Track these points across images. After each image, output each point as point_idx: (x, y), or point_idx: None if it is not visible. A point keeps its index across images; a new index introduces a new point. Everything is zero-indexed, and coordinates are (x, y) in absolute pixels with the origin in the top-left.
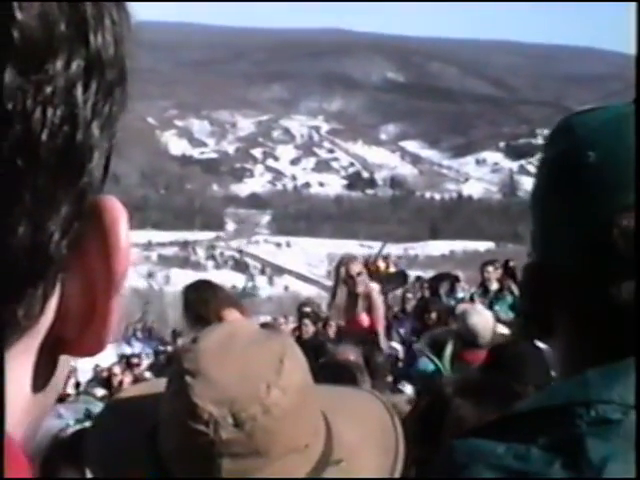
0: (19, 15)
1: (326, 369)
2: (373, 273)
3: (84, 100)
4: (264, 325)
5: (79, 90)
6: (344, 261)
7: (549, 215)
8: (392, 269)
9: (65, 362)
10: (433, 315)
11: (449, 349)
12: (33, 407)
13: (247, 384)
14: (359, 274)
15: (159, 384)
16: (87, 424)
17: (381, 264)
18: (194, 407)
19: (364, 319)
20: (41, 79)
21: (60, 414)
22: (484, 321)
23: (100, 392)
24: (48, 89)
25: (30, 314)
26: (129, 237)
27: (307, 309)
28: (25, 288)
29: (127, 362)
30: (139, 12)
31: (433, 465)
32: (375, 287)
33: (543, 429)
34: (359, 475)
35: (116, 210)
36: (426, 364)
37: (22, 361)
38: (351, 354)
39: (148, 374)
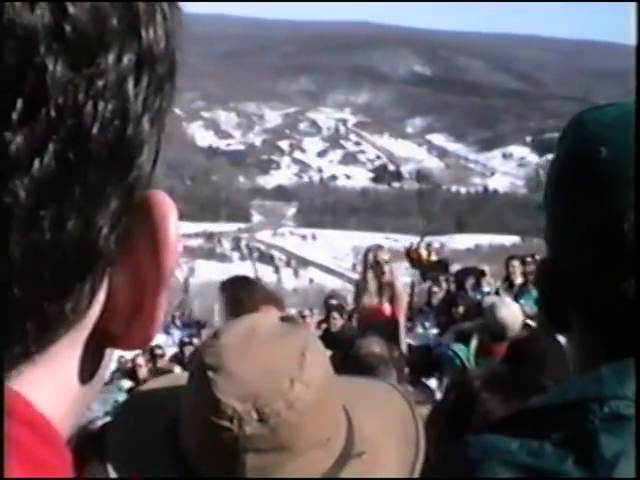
0: (71, 9)
1: (352, 363)
2: (415, 261)
3: (135, 94)
4: (284, 318)
5: (130, 84)
6: (372, 248)
7: (561, 210)
8: (434, 257)
9: (110, 355)
10: (460, 309)
11: (474, 342)
12: (80, 398)
13: (270, 379)
14: (387, 262)
15: (179, 377)
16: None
17: (423, 252)
18: (217, 402)
19: (386, 308)
20: (92, 73)
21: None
22: (512, 314)
23: (127, 384)
24: (100, 83)
25: (78, 308)
26: (178, 232)
27: (334, 302)
28: (73, 282)
29: (151, 353)
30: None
31: (448, 461)
32: (400, 278)
33: (557, 425)
34: (382, 467)
35: (165, 205)
36: (453, 357)
37: (69, 354)
38: (376, 347)
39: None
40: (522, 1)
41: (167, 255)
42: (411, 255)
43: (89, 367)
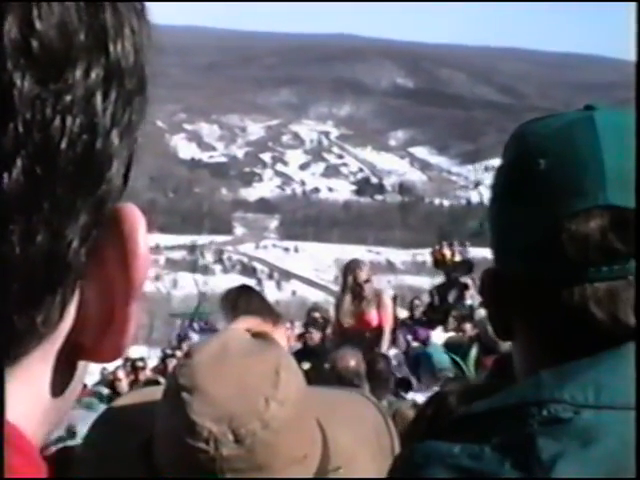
0: (38, 25)
1: (327, 375)
2: (439, 262)
3: (103, 109)
4: (256, 334)
5: (98, 99)
6: (351, 267)
7: (503, 221)
8: (458, 257)
9: (83, 368)
10: (449, 320)
11: (474, 353)
12: (52, 411)
13: (245, 399)
14: (367, 281)
15: (153, 393)
16: (69, 442)
17: (447, 252)
18: (193, 425)
19: (373, 318)
20: (60, 88)
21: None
22: None
23: (106, 391)
24: (67, 98)
25: (48, 321)
26: (148, 245)
27: (316, 314)
28: (43, 295)
29: (132, 365)
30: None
31: (396, 467)
32: (386, 291)
33: (497, 429)
34: None
35: (135, 217)
36: (440, 361)
37: (41, 366)
38: (352, 360)
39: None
40: (508, 8)
41: (137, 267)
42: (435, 256)
43: (61, 379)
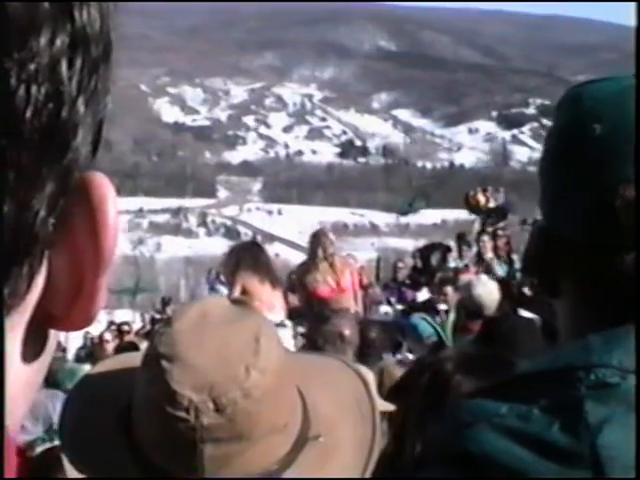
0: None
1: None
2: (474, 207)
3: (69, 77)
4: (235, 301)
5: (64, 67)
6: (319, 238)
7: (555, 183)
8: (492, 204)
9: (54, 336)
10: (429, 283)
11: (452, 317)
12: (25, 381)
13: (225, 367)
14: (332, 248)
15: (128, 360)
16: (55, 442)
17: (481, 198)
18: (173, 393)
19: (347, 285)
20: (24, 57)
21: (25, 427)
22: (488, 292)
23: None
24: (32, 66)
25: (16, 292)
26: (117, 214)
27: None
28: (11, 266)
29: (118, 329)
30: None
31: (442, 424)
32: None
33: (545, 391)
34: (339, 447)
35: (104, 187)
36: (425, 329)
37: (10, 337)
38: (346, 328)
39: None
40: None
41: (106, 237)
42: (470, 201)
43: (32, 349)
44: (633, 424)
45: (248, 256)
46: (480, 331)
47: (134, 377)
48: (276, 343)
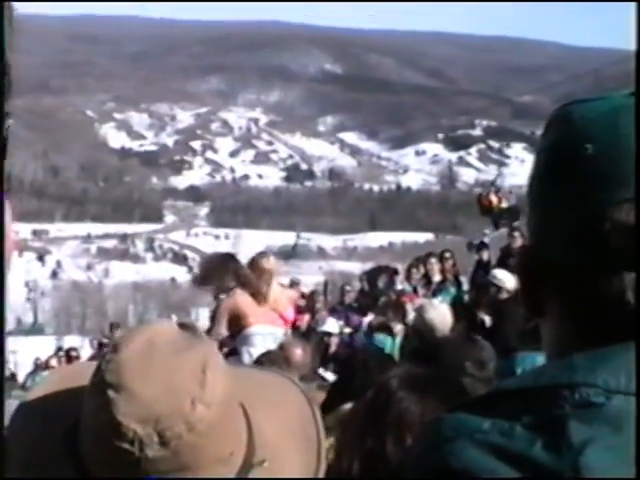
0: None
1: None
2: (486, 208)
3: None
4: (183, 326)
5: None
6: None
7: (544, 203)
8: (504, 204)
9: None
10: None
11: (399, 338)
12: None
13: (171, 400)
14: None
15: (80, 373)
16: None
17: (493, 198)
18: (118, 425)
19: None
20: None
21: None
22: (441, 316)
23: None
24: None
25: None
26: (13, 229)
27: None
28: None
29: (66, 354)
30: (78, 6)
31: (422, 437)
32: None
33: (528, 408)
34: (283, 474)
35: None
36: (383, 342)
37: None
38: (297, 349)
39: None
40: (428, 1)
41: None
42: (482, 202)
43: None
44: (617, 445)
45: (231, 267)
46: (427, 352)
47: (82, 393)
48: (223, 374)
